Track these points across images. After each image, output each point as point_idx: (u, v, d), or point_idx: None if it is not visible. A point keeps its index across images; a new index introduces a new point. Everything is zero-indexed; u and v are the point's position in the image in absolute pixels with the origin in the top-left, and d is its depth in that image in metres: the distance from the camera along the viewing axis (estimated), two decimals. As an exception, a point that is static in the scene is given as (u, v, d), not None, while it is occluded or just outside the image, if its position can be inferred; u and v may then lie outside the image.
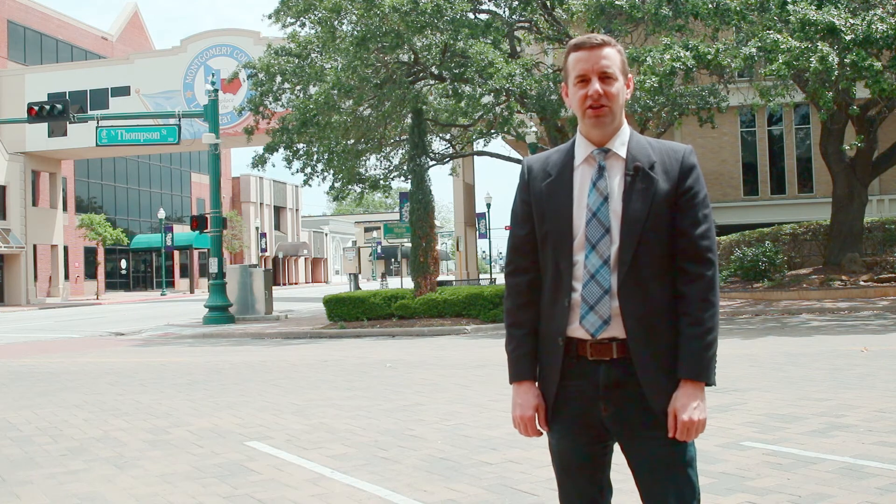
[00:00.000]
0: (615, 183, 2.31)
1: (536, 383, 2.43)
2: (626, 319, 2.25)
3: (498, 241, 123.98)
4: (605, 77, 2.30)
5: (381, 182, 27.04)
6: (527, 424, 2.42)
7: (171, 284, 56.49)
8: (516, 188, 2.51)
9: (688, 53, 15.92)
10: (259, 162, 23.53)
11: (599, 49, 2.32)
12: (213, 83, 23.42)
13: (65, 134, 36.90)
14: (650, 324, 2.26)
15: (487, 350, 12.93)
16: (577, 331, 2.31)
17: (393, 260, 62.71)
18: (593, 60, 2.31)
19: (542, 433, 2.46)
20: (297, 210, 77.15)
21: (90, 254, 49.65)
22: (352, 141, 23.42)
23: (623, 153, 2.33)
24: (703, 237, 2.29)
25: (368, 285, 45.61)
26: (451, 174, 34.49)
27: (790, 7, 15.46)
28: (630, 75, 2.41)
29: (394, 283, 44.96)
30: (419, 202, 18.61)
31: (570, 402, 2.35)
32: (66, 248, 46.56)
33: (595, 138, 2.35)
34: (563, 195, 2.35)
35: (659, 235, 2.27)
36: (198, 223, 23.94)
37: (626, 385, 2.28)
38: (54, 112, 22.67)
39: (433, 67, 19.80)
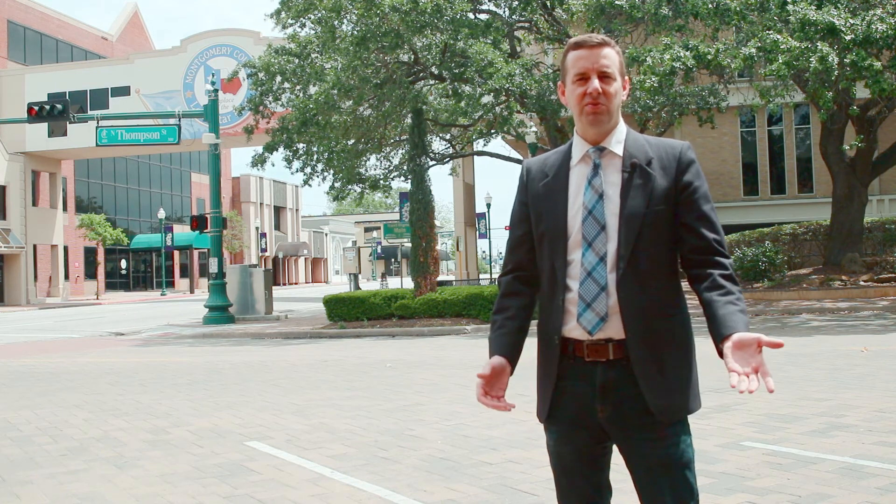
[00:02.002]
0: (612, 180, 2.31)
1: (507, 359, 2.39)
2: (624, 316, 2.24)
3: (498, 241, 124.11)
4: (604, 76, 2.31)
5: (381, 182, 27.06)
6: (479, 382, 2.37)
7: (171, 284, 56.49)
8: (516, 190, 2.52)
9: (688, 53, 15.92)
10: (259, 161, 23.54)
11: (599, 48, 2.32)
12: (213, 83, 23.41)
13: (65, 134, 36.90)
14: (649, 321, 2.25)
15: (487, 350, 12.90)
16: (573, 331, 2.30)
17: (393, 260, 62.71)
18: (593, 59, 2.31)
19: (488, 398, 2.35)
20: (297, 210, 77.15)
21: (90, 254, 49.65)
22: (352, 141, 23.44)
23: (619, 151, 2.33)
24: (713, 231, 2.28)
25: (368, 285, 45.62)
26: (451, 174, 34.50)
27: (790, 7, 15.46)
28: (627, 77, 2.41)
29: (394, 283, 44.97)
30: (419, 202, 18.60)
31: (567, 403, 2.34)
32: (66, 248, 46.57)
33: (591, 137, 2.35)
34: (558, 194, 2.35)
35: (658, 232, 2.27)
36: (198, 223, 23.94)
37: (622, 386, 2.27)
38: (54, 112, 22.68)
39: (433, 67, 19.81)
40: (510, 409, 2.34)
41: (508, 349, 2.41)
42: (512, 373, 2.42)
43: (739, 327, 2.13)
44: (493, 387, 2.37)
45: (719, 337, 2.16)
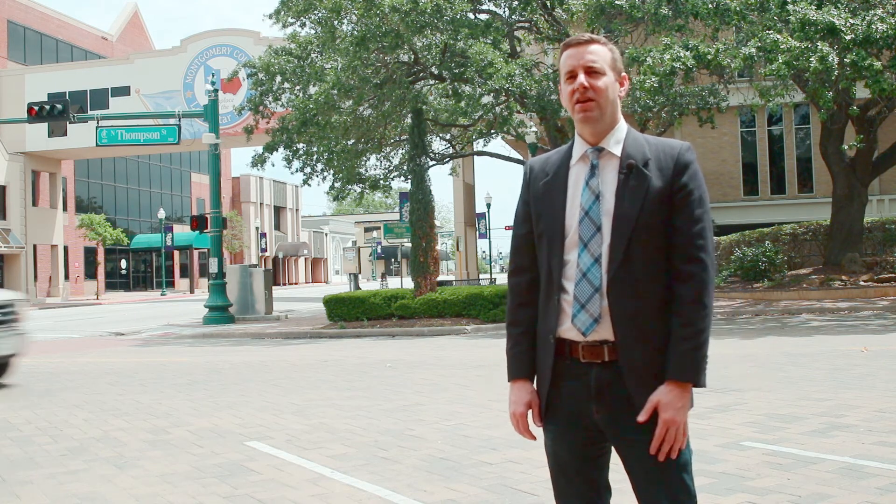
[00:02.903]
0: (608, 181, 2.30)
1: (532, 382, 2.44)
2: (615, 318, 2.24)
3: (498, 241, 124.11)
4: (591, 71, 2.31)
5: (381, 182, 27.06)
6: (518, 421, 2.44)
7: (171, 284, 56.50)
8: (520, 189, 2.52)
9: (688, 53, 15.92)
10: (259, 161, 23.53)
11: (586, 45, 2.34)
12: (213, 83, 23.41)
13: (65, 134, 36.92)
14: (640, 323, 2.24)
15: (487, 350, 12.92)
16: (568, 331, 2.31)
17: (393, 260, 62.71)
18: (579, 56, 2.32)
19: (534, 436, 2.46)
20: (297, 210, 77.16)
21: (90, 254, 49.66)
22: (352, 141, 23.43)
23: (618, 151, 2.33)
24: (698, 236, 2.25)
25: (368, 285, 45.61)
26: (451, 174, 34.50)
27: (790, 7, 15.46)
28: (625, 74, 2.40)
29: (394, 283, 44.95)
30: (419, 202, 18.60)
31: (563, 404, 2.35)
32: (66, 248, 46.57)
33: (588, 136, 2.35)
34: (557, 194, 2.36)
35: (651, 233, 2.25)
36: (198, 223, 23.94)
37: (617, 388, 2.26)
38: (54, 112, 22.67)
39: (433, 67, 19.81)
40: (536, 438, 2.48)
41: (528, 369, 2.45)
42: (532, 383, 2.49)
43: (673, 373, 2.22)
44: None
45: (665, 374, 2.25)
